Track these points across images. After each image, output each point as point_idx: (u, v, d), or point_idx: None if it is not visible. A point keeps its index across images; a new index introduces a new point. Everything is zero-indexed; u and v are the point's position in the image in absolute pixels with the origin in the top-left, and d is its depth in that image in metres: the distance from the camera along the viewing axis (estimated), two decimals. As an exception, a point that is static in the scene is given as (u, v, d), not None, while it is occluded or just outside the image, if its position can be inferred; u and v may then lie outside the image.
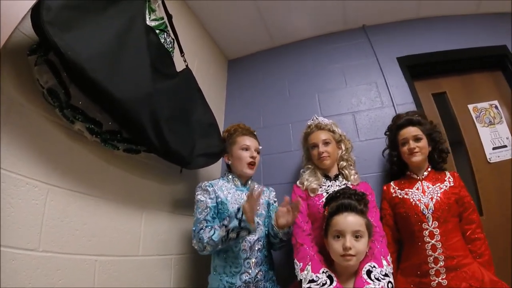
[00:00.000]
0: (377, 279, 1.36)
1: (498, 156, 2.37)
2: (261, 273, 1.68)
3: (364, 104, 2.53)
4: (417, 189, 1.79)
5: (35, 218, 1.11)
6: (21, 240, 1.05)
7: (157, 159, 1.63)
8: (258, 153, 1.90)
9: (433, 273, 1.60)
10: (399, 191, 1.85)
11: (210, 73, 2.71)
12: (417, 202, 1.73)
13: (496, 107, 2.53)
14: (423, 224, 1.68)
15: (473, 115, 2.51)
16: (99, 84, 1.13)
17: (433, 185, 1.77)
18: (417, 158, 1.81)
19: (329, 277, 1.41)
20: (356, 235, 1.37)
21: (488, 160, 2.36)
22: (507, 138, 2.43)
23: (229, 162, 1.89)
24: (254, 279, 1.64)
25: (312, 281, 1.41)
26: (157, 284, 1.67)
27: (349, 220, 1.39)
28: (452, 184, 1.76)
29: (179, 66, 1.94)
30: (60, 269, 1.16)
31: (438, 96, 2.61)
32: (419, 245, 1.67)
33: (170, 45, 1.92)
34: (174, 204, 1.91)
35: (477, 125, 2.48)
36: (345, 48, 2.82)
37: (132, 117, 1.30)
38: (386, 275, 1.39)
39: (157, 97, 1.45)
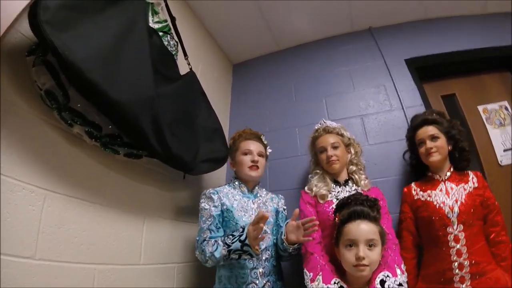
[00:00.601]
0: None
1: (509, 159, 2.32)
2: (269, 283, 1.61)
3: (373, 108, 2.49)
4: (440, 190, 1.72)
5: (31, 225, 1.07)
6: (17, 248, 1.00)
7: (159, 164, 1.58)
8: (262, 156, 1.85)
9: (457, 279, 1.53)
10: (421, 193, 1.78)
11: (215, 77, 2.68)
12: (441, 205, 1.66)
13: (506, 108, 2.49)
14: (448, 228, 1.60)
15: (483, 117, 2.47)
16: (96, 86, 1.09)
17: (456, 186, 1.70)
18: (435, 158, 1.75)
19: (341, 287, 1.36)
20: (370, 244, 1.31)
21: (500, 162, 2.31)
22: (518, 140, 2.37)
23: (234, 169, 1.87)
24: None
25: None
26: None
27: (362, 228, 1.33)
28: (476, 185, 1.69)
29: (183, 69, 1.91)
30: (57, 278, 1.11)
31: (448, 98, 2.57)
32: (443, 250, 1.60)
33: (174, 48, 1.89)
34: (177, 211, 1.86)
35: (488, 126, 2.44)
36: (351, 51, 2.78)
37: (131, 120, 1.25)
38: (400, 284, 1.35)
39: (159, 100, 1.40)
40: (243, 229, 1.45)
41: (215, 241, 1.53)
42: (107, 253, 1.35)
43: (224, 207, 1.66)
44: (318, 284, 1.41)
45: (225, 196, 1.70)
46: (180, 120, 1.65)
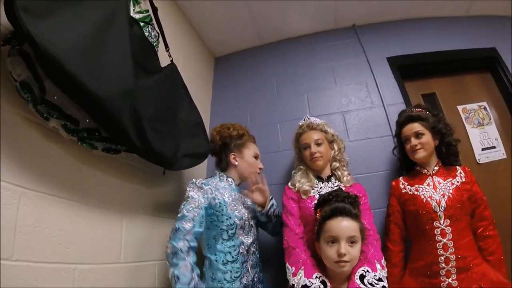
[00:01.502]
0: (371, 284, 1.35)
1: (487, 157, 2.41)
2: (256, 275, 1.69)
3: (354, 104, 2.52)
4: (428, 184, 1.75)
5: (7, 224, 1.01)
6: (-9, 249, 0.95)
7: (139, 159, 1.53)
8: None
9: (443, 273, 1.56)
10: (409, 187, 1.80)
11: (196, 70, 2.63)
12: (429, 199, 1.68)
13: (485, 108, 2.57)
14: (435, 222, 1.63)
15: (463, 116, 2.54)
16: (75, 78, 1.03)
17: (444, 181, 1.73)
18: (420, 154, 1.77)
19: (323, 282, 1.39)
20: (351, 241, 1.34)
21: (478, 161, 2.39)
22: (496, 139, 2.46)
23: (236, 163, 1.83)
24: (252, 282, 1.64)
25: (305, 286, 1.39)
26: None
27: (344, 226, 1.36)
28: (464, 180, 1.72)
29: (164, 61, 1.86)
30: (36, 279, 1.06)
31: (428, 97, 2.62)
32: (429, 244, 1.63)
33: (155, 39, 1.84)
34: (157, 207, 1.81)
35: (467, 126, 2.51)
36: (335, 47, 2.80)
37: (110, 114, 1.19)
38: (380, 279, 1.38)
39: (139, 94, 1.34)
40: None
41: (189, 260, 1.42)
42: (87, 252, 1.30)
43: (216, 201, 1.63)
44: (300, 278, 1.43)
45: (216, 189, 1.68)
46: (161, 114, 1.59)
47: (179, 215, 1.53)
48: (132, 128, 1.29)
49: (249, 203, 1.77)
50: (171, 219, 1.73)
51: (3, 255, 0.97)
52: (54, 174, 1.22)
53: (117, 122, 1.23)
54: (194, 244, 1.47)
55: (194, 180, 1.66)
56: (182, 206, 1.56)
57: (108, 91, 1.16)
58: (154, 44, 1.82)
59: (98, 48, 1.17)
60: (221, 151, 1.89)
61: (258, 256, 1.76)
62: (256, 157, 1.87)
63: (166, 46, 1.94)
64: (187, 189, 1.63)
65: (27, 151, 1.13)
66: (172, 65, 1.91)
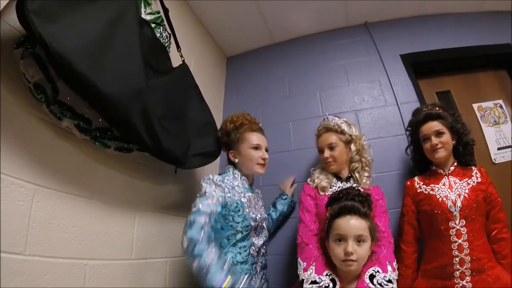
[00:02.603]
0: (380, 284, 1.34)
1: (503, 157, 2.34)
2: (264, 276, 1.69)
3: (367, 103, 2.48)
4: (444, 184, 1.71)
5: (20, 220, 1.05)
6: (5, 244, 0.98)
7: (151, 158, 1.55)
8: (267, 151, 1.82)
9: (457, 275, 1.52)
10: (424, 186, 1.76)
11: (208, 70, 2.66)
12: (444, 199, 1.64)
13: (501, 106, 2.50)
14: (450, 223, 1.59)
15: (478, 115, 2.48)
16: (85, 78, 1.06)
17: (460, 181, 1.69)
18: (441, 154, 1.72)
19: (332, 280, 1.38)
20: (359, 240, 1.33)
21: (493, 160, 2.33)
22: (512, 138, 2.38)
23: (236, 161, 1.78)
24: (260, 283, 1.65)
25: (314, 282, 1.39)
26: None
27: (352, 224, 1.34)
28: (479, 180, 1.68)
29: (176, 61, 1.89)
30: (48, 274, 1.10)
31: (442, 95, 2.57)
32: (444, 245, 1.59)
33: (166, 40, 1.86)
34: (168, 205, 1.84)
35: (482, 124, 2.45)
36: (347, 45, 2.77)
37: (121, 114, 1.23)
38: (389, 281, 1.37)
39: (149, 93, 1.37)
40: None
41: (209, 240, 1.36)
42: (98, 248, 1.34)
43: (233, 201, 1.59)
44: (310, 274, 1.43)
45: (232, 188, 1.63)
46: (171, 114, 1.61)
47: (194, 209, 1.44)
48: (142, 127, 1.31)
49: (260, 203, 1.80)
50: (182, 217, 1.76)
51: (16, 250, 1.01)
52: (67, 172, 1.26)
53: (127, 121, 1.26)
54: (212, 236, 1.40)
55: (210, 176, 1.60)
56: (198, 201, 1.47)
57: (118, 91, 1.19)
58: (166, 44, 1.84)
59: (108, 48, 1.20)
60: (225, 149, 1.88)
61: (266, 258, 1.75)
62: (256, 147, 1.75)
63: (178, 46, 1.97)
64: (203, 185, 1.55)
65: (40, 150, 1.16)
66: (183, 65, 1.93)
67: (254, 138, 1.77)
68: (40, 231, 1.11)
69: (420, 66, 2.57)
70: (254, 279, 1.60)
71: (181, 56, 1.96)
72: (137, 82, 1.31)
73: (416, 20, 2.75)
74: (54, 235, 1.15)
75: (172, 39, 1.94)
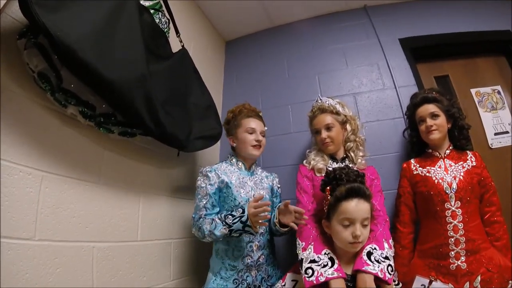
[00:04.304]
0: (377, 261, 1.36)
1: (500, 142, 2.36)
2: (263, 256, 1.69)
3: (366, 86, 2.50)
4: (440, 167, 1.75)
5: (29, 207, 1.08)
6: (16, 230, 1.03)
7: (154, 142, 1.59)
8: (264, 135, 1.85)
9: (453, 255, 1.58)
10: (420, 168, 1.81)
11: (207, 54, 2.65)
12: (440, 181, 1.69)
13: (499, 92, 2.51)
14: (446, 204, 1.64)
15: (476, 100, 2.49)
16: (89, 65, 1.08)
17: (455, 164, 1.74)
18: (435, 135, 1.76)
19: (331, 259, 1.39)
20: (364, 223, 1.34)
21: (490, 145, 2.36)
22: (509, 124, 2.41)
23: (234, 145, 1.86)
24: (256, 263, 1.66)
25: (313, 261, 1.39)
26: (157, 269, 1.66)
27: (360, 208, 1.34)
28: (474, 164, 1.73)
29: (175, 46, 1.89)
30: (57, 257, 1.14)
31: (441, 79, 2.57)
32: (440, 226, 1.64)
33: (165, 25, 1.85)
34: (172, 188, 1.88)
35: (480, 110, 2.46)
36: (346, 29, 2.76)
37: (125, 99, 1.25)
38: (386, 257, 1.39)
39: (152, 79, 1.39)
40: (243, 210, 1.50)
41: (212, 219, 1.57)
42: (105, 231, 1.38)
43: (223, 184, 1.69)
44: (309, 254, 1.43)
45: (223, 173, 1.72)
46: (173, 98, 1.64)
47: (195, 204, 1.67)
48: (145, 111, 1.34)
49: (265, 184, 1.83)
50: (186, 199, 1.81)
51: (26, 236, 1.05)
52: (73, 158, 1.29)
53: (131, 107, 1.28)
54: (209, 212, 1.63)
55: (202, 168, 1.74)
56: (195, 196, 1.69)
57: (121, 77, 1.21)
58: (165, 30, 1.83)
59: (110, 36, 1.22)
60: (227, 135, 1.92)
61: (267, 238, 1.75)
62: (250, 131, 1.80)
63: (177, 31, 1.96)
64: (197, 178, 1.73)
65: (46, 137, 1.19)
66: (183, 50, 1.93)
67: (250, 122, 1.82)
68: (49, 216, 1.14)
69: (418, 50, 2.57)
70: (248, 257, 1.64)
71: (181, 41, 1.95)
72: (139, 68, 1.33)
73: (416, 5, 2.73)
74: (62, 219, 1.19)
75: (171, 25, 1.92)
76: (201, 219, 1.60)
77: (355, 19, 2.78)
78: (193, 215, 1.65)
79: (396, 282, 1.48)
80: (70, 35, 1.03)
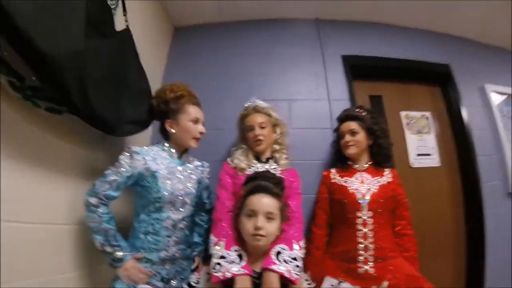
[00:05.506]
0: (285, 261, 1.42)
1: (421, 163, 2.60)
2: (179, 251, 1.68)
3: (302, 94, 2.61)
4: (356, 179, 1.90)
5: None
6: None
7: (81, 122, 1.47)
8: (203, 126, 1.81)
9: (361, 260, 1.71)
10: (338, 178, 1.95)
11: (153, 38, 2.56)
12: (355, 191, 1.84)
13: (427, 118, 2.75)
14: (358, 213, 1.78)
15: (404, 122, 2.71)
16: (25, 34, 1.03)
17: (372, 178, 1.89)
18: (351, 150, 1.93)
19: (240, 255, 1.44)
20: (269, 217, 1.42)
21: (411, 164, 2.56)
22: (432, 148, 2.65)
23: (172, 131, 1.74)
24: (172, 257, 1.65)
25: (222, 257, 1.43)
26: (75, 254, 1.59)
27: (264, 201, 1.43)
28: (390, 180, 1.89)
29: (121, 25, 1.82)
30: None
31: (375, 98, 2.76)
32: (351, 232, 1.78)
33: (114, 1, 1.80)
34: (95, 171, 1.73)
35: (406, 131, 2.68)
36: (294, 36, 2.84)
37: (55, 75, 1.18)
38: (295, 258, 1.45)
39: (88, 55, 1.32)
40: (123, 256, 1.50)
41: (108, 210, 1.52)
42: (21, 211, 1.29)
43: (148, 172, 1.60)
44: (219, 249, 1.46)
45: (153, 159, 1.64)
46: (108, 78, 1.55)
47: (104, 173, 1.56)
48: (75, 89, 1.26)
49: (194, 177, 1.80)
50: None
51: None
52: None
53: (61, 83, 1.21)
54: (105, 202, 1.51)
55: (131, 147, 1.62)
56: (112, 167, 1.57)
57: (56, 51, 1.14)
58: (113, 7, 1.77)
59: (53, 5, 1.16)
60: (160, 117, 1.81)
61: (186, 233, 1.73)
62: (195, 121, 1.74)
63: (125, 10, 1.88)
64: (122, 152, 1.60)
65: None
66: (126, 31, 1.86)
67: (195, 111, 1.76)
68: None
69: (358, 69, 2.71)
70: (164, 251, 1.62)
71: (126, 21, 1.87)
72: (76, 43, 1.25)
73: (365, 26, 2.90)
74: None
75: (120, 2, 1.86)
76: (98, 191, 1.49)
77: (304, 29, 2.87)
78: (96, 182, 1.52)
79: (309, 281, 1.58)
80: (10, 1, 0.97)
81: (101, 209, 1.48)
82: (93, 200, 1.48)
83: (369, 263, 1.70)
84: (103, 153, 1.87)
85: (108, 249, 1.46)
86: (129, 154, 1.59)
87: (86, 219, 1.49)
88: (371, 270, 1.68)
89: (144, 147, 1.69)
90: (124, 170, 1.56)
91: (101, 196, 1.49)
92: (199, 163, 1.91)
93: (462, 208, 2.59)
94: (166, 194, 1.62)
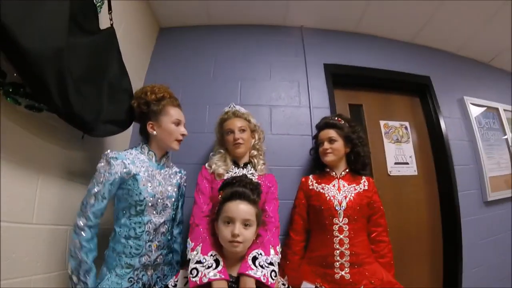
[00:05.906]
0: (261, 266, 1.42)
1: (399, 171, 2.65)
2: (161, 256, 1.67)
3: (283, 100, 2.63)
4: (333, 186, 1.92)
5: None
6: None
7: (61, 120, 1.44)
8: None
9: (337, 266, 1.74)
10: (316, 184, 1.97)
11: (137, 37, 2.53)
12: (332, 198, 1.86)
13: (406, 128, 2.81)
14: (334, 219, 1.81)
15: (383, 131, 2.76)
16: (7, 30, 1.02)
17: (348, 185, 1.91)
18: (328, 158, 1.96)
19: (216, 260, 1.43)
20: (246, 224, 1.43)
21: (389, 172, 2.61)
22: (410, 157, 2.71)
23: (154, 133, 1.71)
24: (153, 262, 1.63)
25: (199, 262, 1.42)
26: (50, 256, 1.54)
27: (241, 208, 1.43)
28: (366, 188, 1.92)
29: (105, 24, 1.80)
30: None
31: (354, 107, 2.80)
32: (327, 238, 1.80)
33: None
34: (74, 171, 1.73)
35: (385, 140, 2.73)
36: (278, 43, 2.88)
37: (36, 72, 1.17)
38: (271, 263, 1.46)
39: (69, 53, 1.31)
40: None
41: (90, 237, 1.48)
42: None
43: (129, 175, 1.57)
44: (196, 254, 1.46)
45: (132, 162, 1.60)
46: (89, 76, 1.53)
47: (88, 187, 1.53)
48: (54, 87, 1.25)
49: (174, 181, 1.79)
50: (86, 185, 1.64)
51: None
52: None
53: (40, 80, 1.20)
54: (92, 223, 1.48)
55: (108, 152, 1.58)
56: (92, 179, 1.54)
57: (37, 48, 1.14)
58: (98, 4, 1.75)
59: (35, 2, 1.16)
60: (140, 118, 1.78)
61: (168, 237, 1.73)
62: (177, 123, 1.73)
63: (110, 8, 1.86)
64: (100, 161, 1.57)
65: None
66: (111, 29, 1.84)
67: (176, 113, 1.74)
68: None
69: (339, 77, 2.76)
70: (146, 256, 1.60)
71: (111, 19, 1.86)
72: (58, 40, 1.25)
73: (350, 36, 2.96)
74: None
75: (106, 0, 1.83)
76: (87, 209, 1.48)
77: (288, 36, 2.91)
78: (83, 201, 1.51)
79: (286, 286, 1.59)
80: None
81: (85, 234, 1.45)
82: (80, 222, 1.46)
83: (345, 268, 1.72)
84: (84, 153, 1.84)
85: (75, 279, 1.43)
86: (106, 161, 1.56)
87: (71, 239, 1.47)
88: (347, 276, 1.71)
89: (122, 150, 1.66)
90: (105, 179, 1.52)
91: (88, 214, 1.47)
92: (177, 169, 1.90)
93: (439, 216, 2.67)
94: (148, 196, 1.60)
